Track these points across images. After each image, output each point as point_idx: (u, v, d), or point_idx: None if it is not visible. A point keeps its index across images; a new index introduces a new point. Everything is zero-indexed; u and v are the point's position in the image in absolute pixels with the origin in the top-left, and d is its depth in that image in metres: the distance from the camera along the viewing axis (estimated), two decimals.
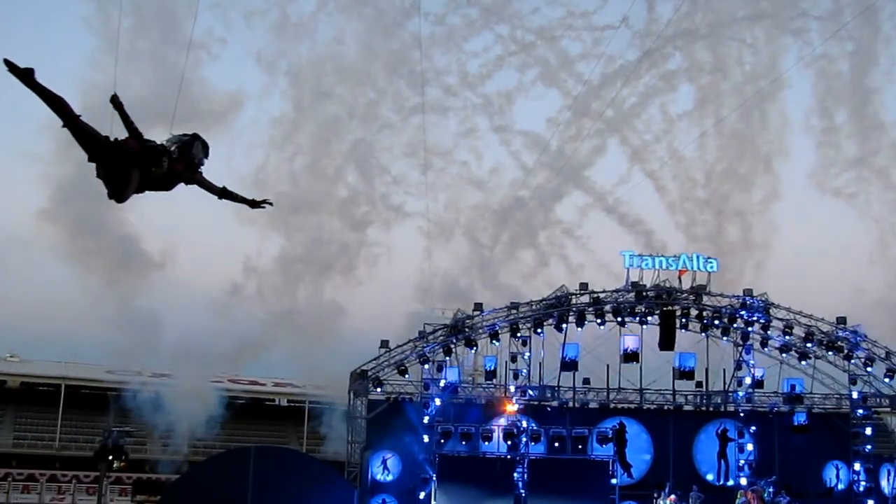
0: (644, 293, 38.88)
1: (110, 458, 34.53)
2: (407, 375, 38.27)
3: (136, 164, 8.03)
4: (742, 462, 39.73)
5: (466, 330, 38.10)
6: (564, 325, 38.69)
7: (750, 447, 39.93)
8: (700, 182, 46.55)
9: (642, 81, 45.81)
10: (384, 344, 38.13)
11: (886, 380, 39.52)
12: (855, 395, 39.99)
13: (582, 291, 38.96)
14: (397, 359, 38.00)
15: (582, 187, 46.07)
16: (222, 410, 43.62)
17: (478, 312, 38.42)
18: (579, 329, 38.88)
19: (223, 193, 8.94)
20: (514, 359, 38.59)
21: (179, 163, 8.35)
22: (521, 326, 38.41)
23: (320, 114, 42.79)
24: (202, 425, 41.61)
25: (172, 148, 8.33)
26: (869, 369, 39.57)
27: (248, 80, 44.44)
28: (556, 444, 34.24)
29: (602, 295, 38.95)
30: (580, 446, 34.00)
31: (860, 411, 40.11)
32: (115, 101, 8.05)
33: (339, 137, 43.54)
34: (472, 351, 38.94)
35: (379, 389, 38.11)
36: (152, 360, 40.86)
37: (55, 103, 7.76)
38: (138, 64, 34.30)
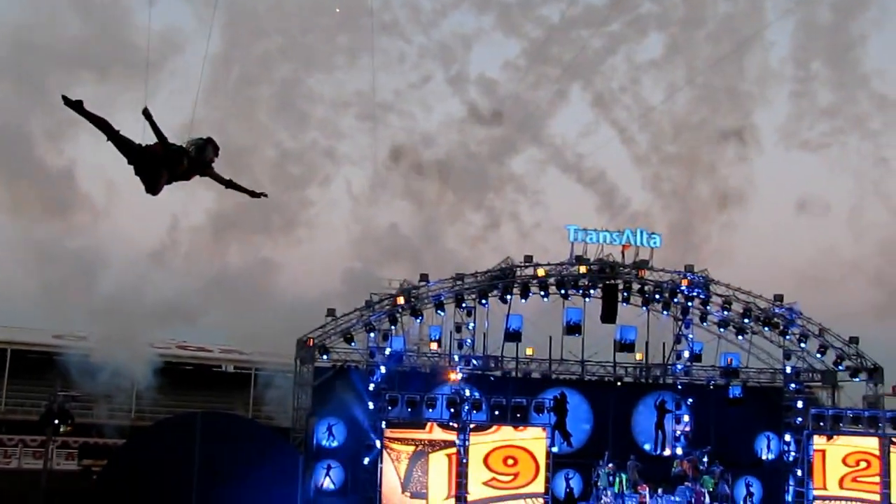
0: (588, 267, 39.62)
1: (56, 422, 34.66)
2: (353, 343, 38.76)
3: (163, 164, 10.00)
4: (678, 432, 40.77)
5: (412, 300, 38.64)
6: (509, 297, 39.37)
7: (686, 418, 40.99)
8: (668, 136, 45.80)
9: (609, 29, 44.47)
10: (330, 312, 38.48)
11: (819, 356, 40.84)
12: (788, 370, 41.21)
13: (527, 264, 39.60)
14: (343, 327, 38.45)
15: (539, 141, 45.23)
16: (168, 376, 43.74)
17: (423, 283, 38.95)
18: (523, 300, 39.59)
19: (229, 184, 10.75)
20: (458, 329, 39.18)
21: (197, 161, 10.32)
22: (466, 297, 39.02)
23: (256, 58, 41.23)
24: (147, 390, 41.67)
25: (191, 149, 10.24)
26: (802, 345, 40.81)
27: (183, 21, 40.05)
28: (497, 413, 34.90)
29: (546, 268, 39.59)
30: (519, 415, 34.68)
31: (793, 385, 41.34)
32: (147, 114, 9.79)
33: (278, 85, 42.00)
34: (418, 320, 39.45)
35: (325, 357, 38.53)
36: (83, 317, 39.78)
37: (100, 124, 9.66)
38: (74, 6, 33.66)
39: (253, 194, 10.99)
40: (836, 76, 44.14)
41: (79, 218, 37.49)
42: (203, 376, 50.50)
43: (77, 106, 9.50)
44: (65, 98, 9.49)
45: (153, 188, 10.14)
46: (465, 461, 33.42)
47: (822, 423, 35.00)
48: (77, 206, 37.46)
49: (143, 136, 10.09)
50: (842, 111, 44.27)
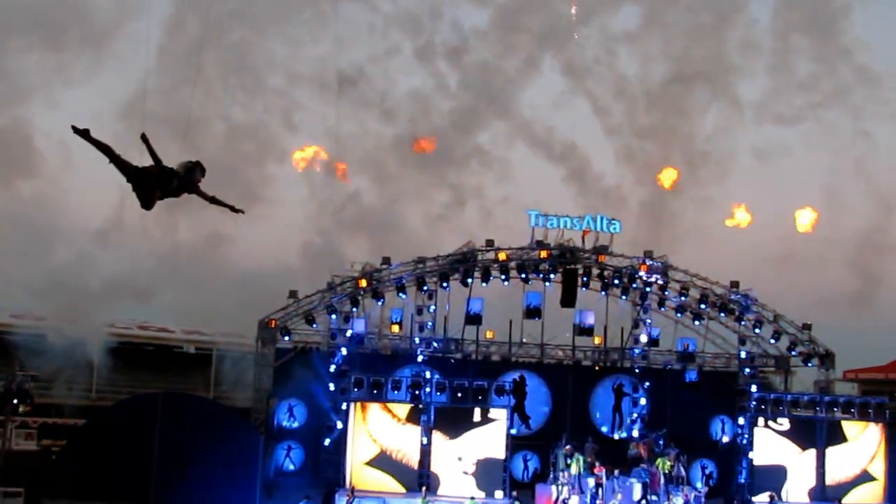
0: (548, 251, 40.01)
1: (15, 401, 34.52)
2: (314, 325, 38.95)
3: (156, 183, 11.25)
4: (635, 416, 41.42)
5: (374, 282, 38.85)
6: (470, 280, 39.69)
7: (643, 402, 41.65)
8: (642, 109, 44.75)
9: None
10: (292, 294, 38.59)
11: (773, 341, 41.57)
12: (743, 355, 41.99)
13: (488, 248, 39.91)
14: (305, 308, 38.62)
15: (508, 113, 44.10)
16: (128, 357, 43.68)
17: (385, 266, 39.16)
18: (484, 284, 39.94)
19: (213, 200, 11.90)
20: (419, 311, 39.51)
21: (186, 181, 11.54)
22: (427, 280, 39.32)
23: (212, 23, 38.74)
24: (106, 370, 41.54)
25: (181, 171, 11.43)
26: (757, 331, 41.55)
27: None
28: (459, 395, 35.20)
29: (507, 252, 39.93)
30: (480, 397, 35.03)
31: (747, 370, 42.13)
32: (144, 139, 11.07)
33: (235, 52, 40.44)
34: (379, 303, 39.63)
35: (286, 338, 38.70)
36: (31, 292, 38.75)
37: (104, 149, 10.92)
38: None
39: (233, 209, 12.24)
40: (816, 48, 43.44)
41: (29, 186, 36.91)
42: (164, 357, 50.41)
43: (84, 133, 10.79)
44: (74, 128, 10.80)
45: (147, 204, 11.42)
46: (428, 441, 33.72)
47: (763, 407, 35.72)
48: (28, 173, 36.86)
49: (139, 157, 11.27)
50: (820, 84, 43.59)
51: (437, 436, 34.88)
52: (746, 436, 36.06)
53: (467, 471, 33.44)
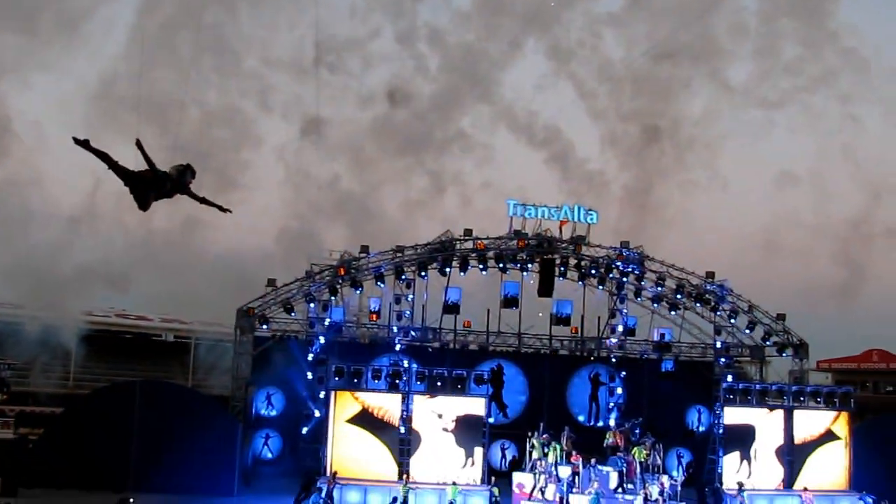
0: (526, 241, 40.20)
1: None
2: (293, 313, 39.00)
3: (151, 186, 12.27)
4: (612, 405, 41.83)
5: (352, 271, 38.93)
6: (448, 269, 39.83)
7: (620, 391, 42.05)
8: (627, 93, 44.73)
9: None
10: (271, 282, 38.61)
11: (748, 331, 41.98)
12: (719, 344, 42.36)
13: (466, 237, 40.06)
14: (284, 297, 38.65)
15: (491, 97, 43.89)
16: (107, 345, 43.58)
17: (364, 255, 39.24)
18: (462, 273, 40.11)
19: (203, 200, 12.95)
20: (397, 300, 39.65)
21: (177, 183, 12.60)
22: (405, 269, 39.43)
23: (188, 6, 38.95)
24: (84, 359, 41.41)
25: (173, 174, 12.43)
26: (732, 321, 41.92)
27: None
28: (439, 384, 35.17)
29: (485, 241, 40.09)
30: (459, 386, 35.12)
31: (723, 360, 42.54)
32: (139, 144, 12.00)
33: (211, 35, 39.12)
34: (358, 292, 39.77)
35: (265, 326, 38.73)
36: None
37: (103, 157, 11.85)
38: None
39: (220, 209, 13.21)
40: (803, 31, 43.14)
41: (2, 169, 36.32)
42: (142, 345, 50.37)
43: (85, 143, 11.75)
44: (74, 139, 11.72)
45: (143, 205, 12.48)
46: (406, 428, 33.80)
47: (731, 397, 36.06)
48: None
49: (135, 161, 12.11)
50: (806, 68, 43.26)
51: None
52: (720, 426, 36.26)
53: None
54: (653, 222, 42.12)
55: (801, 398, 35.98)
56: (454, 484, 31.59)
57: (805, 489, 34.31)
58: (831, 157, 43.43)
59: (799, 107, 44.50)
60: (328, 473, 32.12)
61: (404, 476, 32.24)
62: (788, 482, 34.83)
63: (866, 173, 44.79)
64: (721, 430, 35.86)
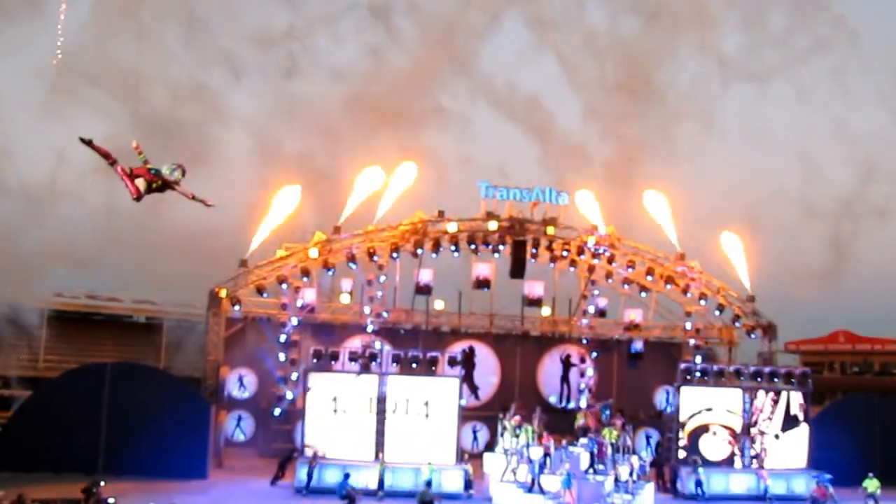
0: (498, 223, 40.26)
1: None
2: (265, 295, 38.91)
3: (147, 183, 14.18)
4: (583, 386, 42.10)
5: (325, 252, 38.85)
6: (420, 251, 39.86)
7: (590, 372, 42.35)
8: (611, 64, 44.07)
9: None
10: (243, 263, 38.48)
11: (717, 313, 42.32)
12: (688, 326, 42.70)
13: (438, 219, 40.08)
14: (256, 278, 38.55)
15: (469, 70, 43.41)
16: (77, 327, 43.21)
17: (336, 236, 39.16)
18: (434, 255, 40.17)
19: (193, 197, 14.58)
20: (370, 282, 39.70)
21: (169, 180, 14.35)
22: (378, 251, 39.41)
23: None
24: (54, 341, 41.01)
25: (165, 171, 14.18)
26: (703, 303, 42.22)
27: None
28: (415, 366, 35.10)
29: (458, 223, 40.12)
30: (433, 367, 35.16)
31: (692, 341, 42.91)
32: (138, 149, 13.99)
33: (179, 12, 39.09)
34: (330, 273, 39.67)
35: (237, 308, 38.58)
36: None
37: (105, 155, 13.75)
38: None
39: (205, 203, 14.81)
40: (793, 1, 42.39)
41: None
42: (113, 326, 49.96)
43: (89, 143, 13.62)
44: (81, 138, 13.56)
45: (137, 198, 14.29)
46: (381, 409, 33.89)
47: (688, 378, 36.43)
48: None
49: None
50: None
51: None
52: (677, 405, 36.61)
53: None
54: (634, 197, 41.86)
55: (759, 379, 36.41)
56: (430, 463, 31.80)
57: (761, 467, 34.86)
58: (821, 132, 42.66)
59: (788, 79, 44.34)
60: (308, 454, 32.26)
61: (380, 455, 32.45)
62: (745, 460, 35.31)
63: (857, 151, 44.39)
64: (678, 410, 36.23)
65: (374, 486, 31.49)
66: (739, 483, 34.67)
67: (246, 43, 41.37)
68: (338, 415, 33.29)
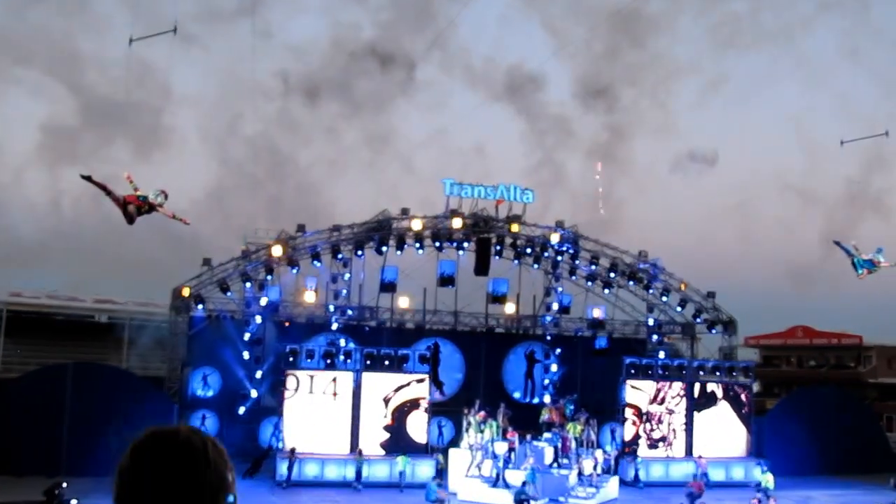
0: (462, 220, 40.32)
1: None
2: (229, 293, 38.72)
3: (138, 209, 16.99)
4: (547, 381, 42.38)
5: (289, 250, 38.74)
6: (385, 248, 39.84)
7: (555, 368, 42.60)
8: (602, 34, 44.82)
9: None
10: (206, 262, 38.24)
11: (679, 309, 42.78)
12: (651, 322, 43.14)
13: (402, 216, 40.09)
14: (219, 276, 38.34)
15: (445, 41, 44.01)
16: (38, 327, 42.75)
17: (300, 233, 39.05)
18: (398, 252, 40.20)
19: (174, 216, 17.47)
20: (334, 279, 39.64)
21: (154, 204, 17.48)
22: (342, 248, 39.33)
23: None
24: (12, 341, 40.50)
25: (150, 196, 16.99)
26: (665, 299, 42.69)
27: None
28: (387, 363, 35.15)
29: (422, 220, 40.13)
30: (403, 365, 35.20)
31: (655, 337, 43.35)
32: (129, 179, 17.06)
33: None
34: (294, 271, 39.54)
35: (200, 306, 38.31)
36: None
37: (103, 188, 16.57)
38: None
39: (183, 222, 18.03)
40: None
41: None
42: (75, 327, 49.50)
43: (88, 178, 16.28)
44: (81, 175, 16.35)
45: (130, 221, 16.91)
46: (356, 404, 34.04)
47: (633, 372, 37.29)
48: None
49: None
50: None
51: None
52: (622, 399, 37.57)
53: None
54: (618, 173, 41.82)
55: (702, 372, 37.23)
56: (404, 454, 32.32)
57: (700, 456, 35.55)
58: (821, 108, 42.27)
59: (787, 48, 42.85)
60: (286, 450, 32.61)
61: (358, 450, 32.95)
62: (687, 450, 36.09)
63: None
64: (622, 403, 37.01)
65: (351, 476, 32.74)
66: (679, 470, 36.07)
67: (201, 22, 41.63)
68: (313, 410, 33.59)
